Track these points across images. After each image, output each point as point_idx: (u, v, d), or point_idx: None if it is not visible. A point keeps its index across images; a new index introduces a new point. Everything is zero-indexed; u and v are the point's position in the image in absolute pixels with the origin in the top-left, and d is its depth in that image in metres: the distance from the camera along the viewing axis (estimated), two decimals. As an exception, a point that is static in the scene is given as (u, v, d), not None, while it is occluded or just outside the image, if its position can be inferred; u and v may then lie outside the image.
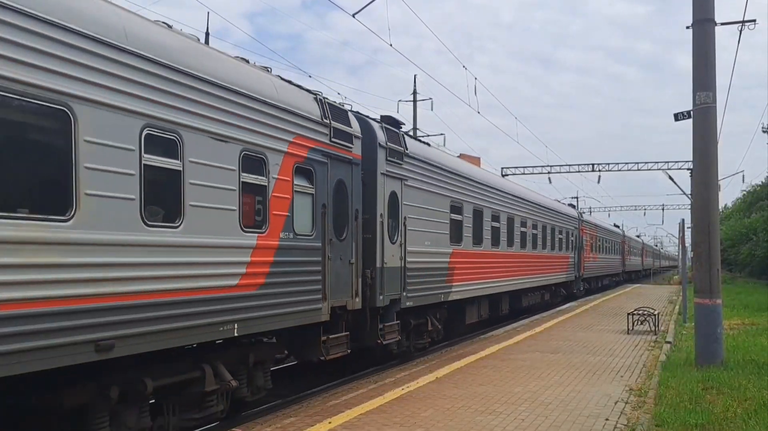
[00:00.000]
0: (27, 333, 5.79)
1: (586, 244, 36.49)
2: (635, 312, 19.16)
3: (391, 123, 13.87)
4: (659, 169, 43.12)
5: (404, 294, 13.31)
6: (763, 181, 60.14)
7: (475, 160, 21.98)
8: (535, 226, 24.82)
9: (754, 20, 13.59)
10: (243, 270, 8.58)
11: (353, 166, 11.51)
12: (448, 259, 15.85)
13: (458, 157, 19.40)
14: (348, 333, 11.41)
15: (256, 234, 8.91)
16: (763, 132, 49.38)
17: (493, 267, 19.67)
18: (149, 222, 7.14)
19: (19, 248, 5.79)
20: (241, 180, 8.56)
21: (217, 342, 8.66)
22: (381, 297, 12.35)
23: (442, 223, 15.61)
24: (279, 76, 10.32)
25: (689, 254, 26.91)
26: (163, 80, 7.44)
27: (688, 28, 12.53)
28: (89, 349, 6.37)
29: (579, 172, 45.41)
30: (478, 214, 18.24)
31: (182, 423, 8.31)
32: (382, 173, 12.58)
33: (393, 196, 13.01)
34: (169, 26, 8.30)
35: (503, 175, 40.15)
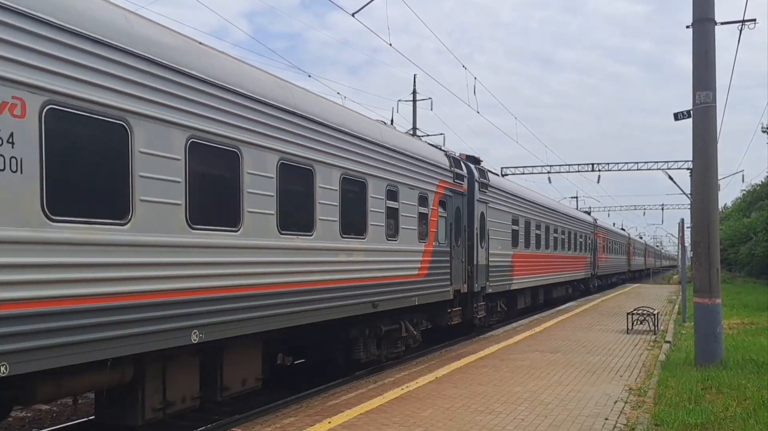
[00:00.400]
0: (349, 296, 11.32)
1: (600, 246, 41.69)
2: (635, 311, 19.17)
3: (473, 160, 18.81)
4: (659, 169, 43.06)
5: (488, 283, 18.72)
6: (763, 180, 60.14)
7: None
8: (563, 232, 30.43)
9: (754, 20, 13.57)
10: (419, 265, 14.23)
11: (463, 196, 17.07)
12: (510, 259, 21.40)
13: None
14: (461, 308, 16.99)
15: (424, 244, 14.47)
16: (763, 132, 49.43)
17: (537, 266, 25.20)
18: (388, 238, 12.80)
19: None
20: (419, 211, 14.18)
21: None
22: (476, 285, 17.73)
23: (507, 232, 21.17)
24: (429, 143, 16.68)
25: (689, 254, 26.95)
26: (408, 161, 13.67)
27: (688, 27, 12.53)
28: (369, 306, 12.04)
29: (579, 171, 45.35)
30: (527, 224, 23.76)
31: (387, 354, 13.88)
32: (477, 200, 17.92)
33: (482, 215, 18.42)
34: (385, 123, 14.92)
35: (503, 175, 40.12)
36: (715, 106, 12.41)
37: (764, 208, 53.03)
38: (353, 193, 11.51)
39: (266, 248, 9.22)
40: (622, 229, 65.59)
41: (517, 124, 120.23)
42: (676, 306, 27.03)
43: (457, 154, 17.93)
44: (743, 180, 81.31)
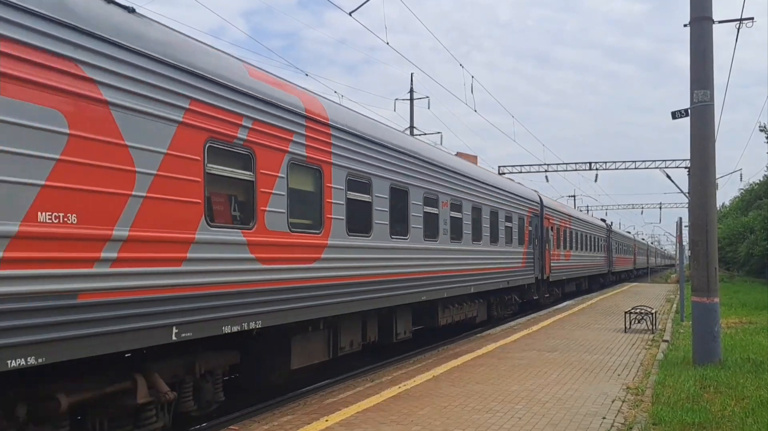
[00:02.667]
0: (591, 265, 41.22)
1: (635, 252, 72.16)
2: (632, 310, 19.15)
3: (604, 221, 49.98)
4: (657, 168, 43.14)
5: (611, 268, 48.81)
6: (761, 179, 60.12)
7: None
8: (624, 244, 59.97)
9: (752, 18, 13.53)
10: (603, 260, 45.30)
11: (607, 237, 46.59)
12: (614, 258, 49.21)
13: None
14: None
15: (603, 252, 44.72)
16: (761, 130, 49.41)
17: (620, 262, 52.78)
18: (595, 252, 41.88)
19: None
20: (601, 242, 43.91)
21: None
22: (612, 268, 49.20)
23: (616, 248, 50.74)
24: (599, 218, 52.67)
25: (687, 253, 26.98)
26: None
27: (685, 26, 12.50)
28: (591, 271, 41.37)
29: (576, 170, 45.43)
30: (618, 244, 50.13)
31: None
32: (611, 238, 48.02)
33: (610, 241, 47.26)
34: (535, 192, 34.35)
35: (500, 173, 40.13)
36: (713, 104, 12.39)
37: (762, 207, 53.01)
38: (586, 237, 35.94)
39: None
40: (642, 239, 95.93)
41: (514, 123, 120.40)
42: (674, 305, 27.03)
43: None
44: (741, 179, 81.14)
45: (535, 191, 27.15)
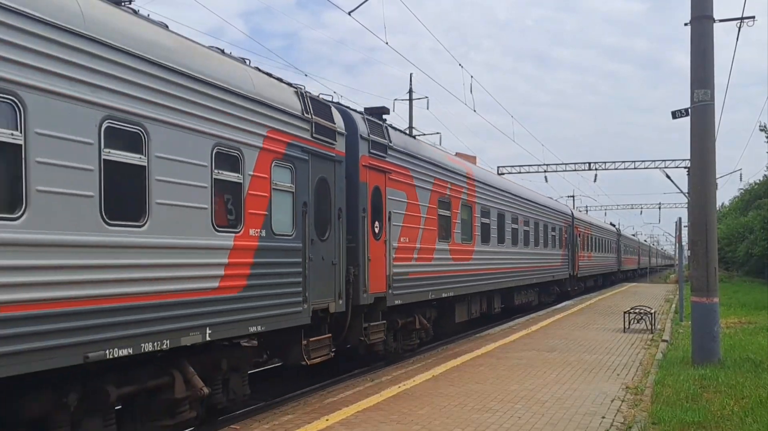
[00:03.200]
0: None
1: (642, 253, 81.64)
2: (631, 310, 19.14)
3: (622, 230, 59.26)
4: (656, 168, 43.11)
5: (620, 267, 55.64)
6: (761, 179, 60.12)
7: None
8: (630, 247, 66.44)
9: (753, 17, 13.53)
10: (614, 260, 53.01)
11: (618, 238, 55.38)
12: (613, 260, 51.86)
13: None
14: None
15: (613, 255, 52.56)
16: (761, 130, 49.43)
17: (629, 263, 64.33)
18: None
19: None
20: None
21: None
22: (621, 267, 56.63)
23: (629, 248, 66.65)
24: (610, 223, 58.79)
25: (686, 253, 27.02)
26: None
27: (686, 24, 12.50)
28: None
29: (575, 170, 45.38)
30: (627, 246, 65.03)
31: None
32: (620, 237, 56.99)
33: (620, 244, 54.86)
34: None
35: (499, 174, 40.14)
36: (713, 104, 12.39)
37: (762, 207, 52.96)
38: (605, 242, 42.83)
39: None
40: (645, 241, 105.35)
41: (513, 123, 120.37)
42: (673, 305, 27.03)
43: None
44: (741, 178, 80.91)
45: (567, 205, 37.47)
